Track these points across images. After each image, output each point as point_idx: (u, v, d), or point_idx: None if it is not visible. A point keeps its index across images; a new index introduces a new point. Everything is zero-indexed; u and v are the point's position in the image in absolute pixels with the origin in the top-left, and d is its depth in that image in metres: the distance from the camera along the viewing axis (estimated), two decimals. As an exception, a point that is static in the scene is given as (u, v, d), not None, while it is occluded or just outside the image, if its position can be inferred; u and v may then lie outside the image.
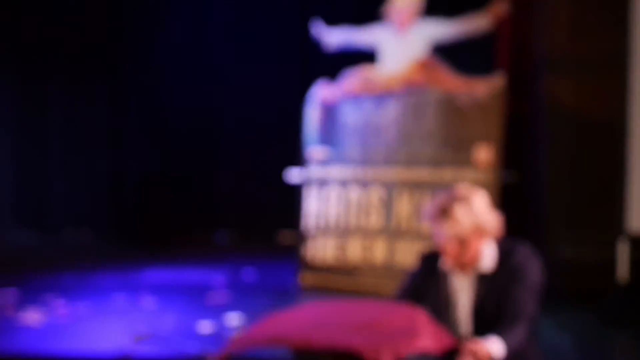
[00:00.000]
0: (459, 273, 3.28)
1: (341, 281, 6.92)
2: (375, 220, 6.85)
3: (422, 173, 6.64)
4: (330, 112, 7.28)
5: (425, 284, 3.33)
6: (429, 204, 3.32)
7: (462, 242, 3.19)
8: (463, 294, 3.26)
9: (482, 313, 3.19)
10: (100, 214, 11.04)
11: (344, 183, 7.05)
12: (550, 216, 7.18)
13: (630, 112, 6.81)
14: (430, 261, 3.37)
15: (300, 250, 7.22)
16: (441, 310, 3.24)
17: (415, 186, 6.67)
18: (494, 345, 3.02)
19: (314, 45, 7.81)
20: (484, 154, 6.33)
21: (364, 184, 6.95)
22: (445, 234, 3.19)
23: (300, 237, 7.33)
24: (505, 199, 7.19)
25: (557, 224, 7.13)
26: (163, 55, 10.87)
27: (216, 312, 6.14)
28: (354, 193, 7.00)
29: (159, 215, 10.91)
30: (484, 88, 6.40)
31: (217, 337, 5.35)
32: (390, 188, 6.80)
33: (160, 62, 10.89)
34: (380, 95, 6.99)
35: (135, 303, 6.55)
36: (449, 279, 3.30)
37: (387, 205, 6.79)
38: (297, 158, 7.63)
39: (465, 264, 3.24)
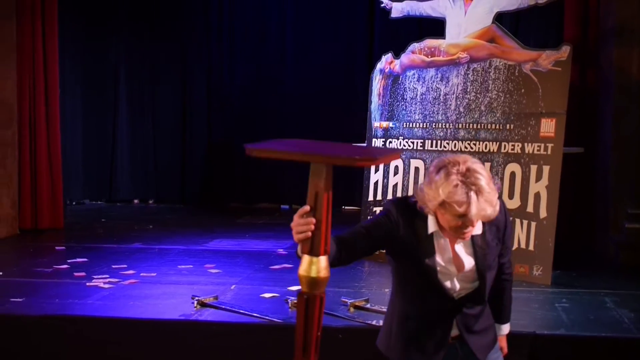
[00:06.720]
0: (451, 238, 3.02)
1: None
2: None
3: (486, 145, 6.62)
4: (394, 83, 7.30)
5: (407, 240, 3.00)
6: (446, 176, 2.87)
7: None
8: (465, 259, 3.04)
9: (484, 272, 3.05)
10: (166, 186, 11.25)
11: (407, 155, 7.07)
12: (615, 191, 7.11)
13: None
14: (411, 216, 3.02)
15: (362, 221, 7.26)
16: (430, 272, 3.01)
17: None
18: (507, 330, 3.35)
19: (381, 17, 7.78)
20: (549, 126, 6.28)
21: (427, 155, 6.95)
22: (473, 214, 2.83)
23: (363, 210, 7.38)
24: (571, 173, 7.16)
25: (622, 199, 7.05)
26: (228, 25, 10.95)
27: (279, 279, 6.25)
28: (417, 165, 7.01)
29: (225, 187, 11.05)
30: (549, 59, 6.33)
31: (280, 303, 5.45)
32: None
33: (225, 33, 10.98)
34: (444, 66, 6.99)
35: (200, 270, 6.69)
36: (442, 243, 3.03)
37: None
38: (360, 129, 7.67)
39: (464, 240, 3.02)
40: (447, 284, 3.05)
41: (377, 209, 7.01)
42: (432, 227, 3.02)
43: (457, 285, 3.06)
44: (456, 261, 3.06)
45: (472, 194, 2.84)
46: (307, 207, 2.64)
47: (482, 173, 2.88)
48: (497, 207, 2.90)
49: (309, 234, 2.61)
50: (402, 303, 3.13)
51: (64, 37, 9.93)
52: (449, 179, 2.86)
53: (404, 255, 3.06)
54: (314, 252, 2.61)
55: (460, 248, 3.06)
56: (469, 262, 3.06)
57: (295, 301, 5.21)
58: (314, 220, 2.61)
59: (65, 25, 9.93)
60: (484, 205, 2.85)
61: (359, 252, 2.98)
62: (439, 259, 3.03)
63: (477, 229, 3.04)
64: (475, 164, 2.91)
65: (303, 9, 10.73)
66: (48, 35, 8.82)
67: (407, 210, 3.04)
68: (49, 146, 8.85)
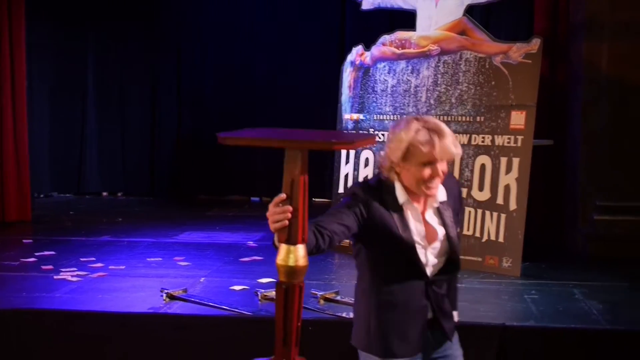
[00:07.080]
0: (421, 206, 3.07)
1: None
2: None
3: (456, 137, 6.62)
4: (365, 76, 7.30)
5: (379, 219, 2.99)
6: (406, 124, 2.99)
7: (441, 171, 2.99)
8: (437, 228, 3.07)
9: (454, 239, 3.07)
10: (135, 179, 11.17)
11: (377, 147, 7.06)
12: (584, 184, 7.16)
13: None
14: (378, 194, 3.03)
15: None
16: (408, 247, 3.00)
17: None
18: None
19: (352, 8, 7.75)
20: (519, 118, 6.30)
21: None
22: (438, 152, 2.94)
23: (334, 202, 7.37)
24: (540, 166, 7.20)
25: (591, 192, 7.10)
26: (199, 16, 10.89)
27: (249, 272, 6.23)
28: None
29: (194, 179, 11.01)
30: (520, 52, 6.36)
31: (250, 295, 5.43)
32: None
33: (196, 23, 10.93)
34: (415, 58, 6.99)
35: (170, 262, 6.65)
36: (414, 214, 3.05)
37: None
38: (331, 122, 7.66)
39: (430, 195, 3.05)
40: (422, 258, 3.04)
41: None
42: (401, 197, 3.04)
43: (431, 260, 3.05)
44: (428, 231, 3.06)
45: (435, 136, 2.96)
46: (282, 195, 2.60)
47: (441, 123, 3.03)
48: (460, 150, 3.04)
49: (286, 222, 2.59)
50: (376, 295, 3.09)
51: (32, 29, 9.80)
52: (410, 126, 2.98)
53: (379, 236, 3.02)
54: (291, 241, 2.58)
55: (430, 217, 3.08)
56: (440, 231, 3.08)
57: (265, 293, 5.25)
58: (290, 208, 2.58)
59: (33, 19, 9.83)
60: (448, 144, 2.97)
61: (335, 239, 2.93)
62: (414, 232, 3.03)
63: (442, 195, 3.09)
64: (434, 119, 3.06)
65: (274, 1, 10.69)
66: (15, 28, 8.71)
67: (372, 189, 3.06)
68: (15, 138, 8.74)
